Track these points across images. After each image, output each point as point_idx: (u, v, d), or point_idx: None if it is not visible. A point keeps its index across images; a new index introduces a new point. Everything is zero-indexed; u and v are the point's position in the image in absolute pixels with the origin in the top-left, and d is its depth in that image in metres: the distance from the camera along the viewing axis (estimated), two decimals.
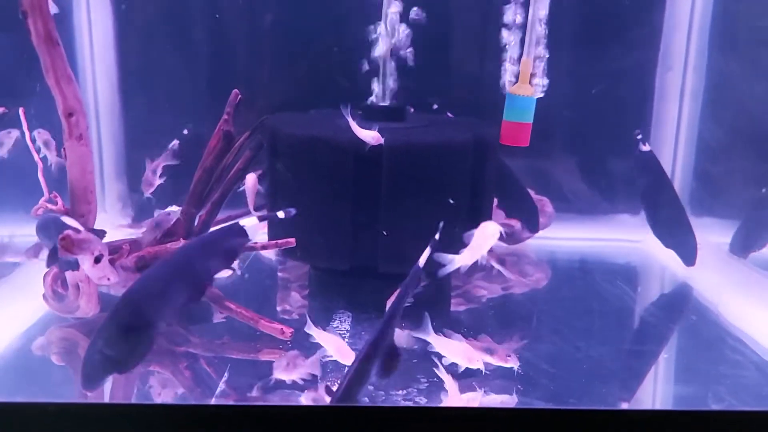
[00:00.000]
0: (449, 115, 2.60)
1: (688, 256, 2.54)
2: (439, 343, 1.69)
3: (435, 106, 2.67)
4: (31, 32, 1.39)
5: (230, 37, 2.80)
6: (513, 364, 1.72)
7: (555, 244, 2.83)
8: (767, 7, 2.76)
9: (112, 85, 2.79)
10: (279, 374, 1.69)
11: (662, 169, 2.56)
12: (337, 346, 1.71)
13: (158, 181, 2.38)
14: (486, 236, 1.72)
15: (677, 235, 2.54)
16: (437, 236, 1.64)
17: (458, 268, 1.74)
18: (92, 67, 2.77)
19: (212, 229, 2.15)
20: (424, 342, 1.81)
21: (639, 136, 2.51)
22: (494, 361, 1.72)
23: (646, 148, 2.50)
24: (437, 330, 1.70)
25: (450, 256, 1.73)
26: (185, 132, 2.61)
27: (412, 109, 2.39)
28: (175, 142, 2.57)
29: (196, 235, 2.07)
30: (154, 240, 1.97)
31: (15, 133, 2.07)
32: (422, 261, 1.62)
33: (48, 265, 1.82)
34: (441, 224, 1.66)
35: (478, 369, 1.66)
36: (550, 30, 2.18)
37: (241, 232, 1.77)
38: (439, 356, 1.68)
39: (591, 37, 2.79)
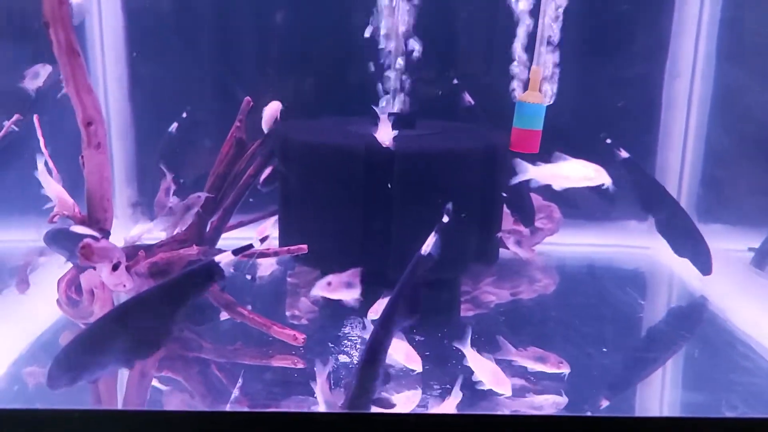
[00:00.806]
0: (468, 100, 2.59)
1: (704, 265, 2.45)
2: (473, 358, 1.69)
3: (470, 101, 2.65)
4: (52, 42, 1.40)
5: (241, 43, 2.82)
6: (565, 369, 1.75)
7: (563, 250, 2.84)
8: None
9: (123, 91, 2.81)
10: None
11: (649, 175, 2.45)
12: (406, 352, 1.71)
13: (170, 202, 2.32)
14: (576, 170, 1.64)
15: (689, 245, 2.45)
16: (445, 219, 1.61)
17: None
18: (104, 73, 2.79)
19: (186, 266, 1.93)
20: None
21: (608, 141, 2.36)
22: (547, 369, 1.75)
23: (624, 154, 2.36)
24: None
25: (526, 164, 1.74)
26: (184, 115, 2.61)
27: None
28: (174, 125, 2.58)
29: (208, 241, 2.09)
30: (181, 223, 1.96)
31: (49, 68, 2.03)
32: (426, 248, 1.59)
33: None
34: (449, 206, 1.63)
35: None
36: (559, 38, 2.19)
37: (215, 270, 1.58)
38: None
39: (599, 45, 2.80)
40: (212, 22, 2.80)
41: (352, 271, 1.82)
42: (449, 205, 1.62)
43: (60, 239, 1.71)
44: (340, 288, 1.82)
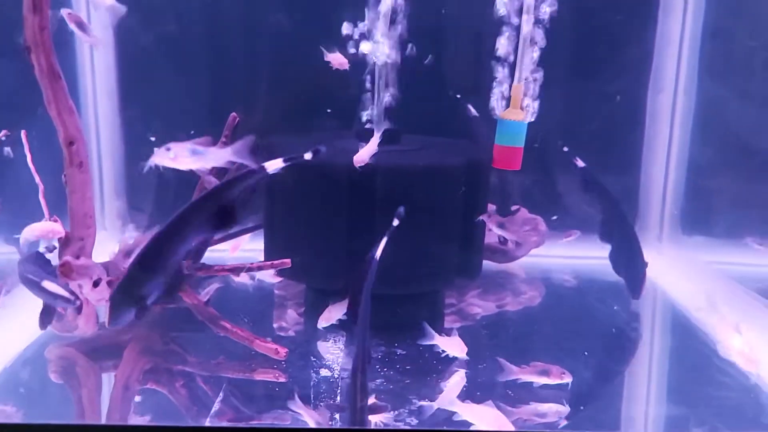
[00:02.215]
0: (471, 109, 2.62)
1: (634, 288, 2.35)
2: (439, 340, 1.85)
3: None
4: (34, 66, 1.44)
5: (230, 58, 2.85)
6: (567, 379, 1.79)
7: (548, 262, 2.86)
8: (756, 28, 2.81)
9: (112, 104, 2.83)
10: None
11: (604, 187, 2.37)
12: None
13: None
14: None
15: (627, 264, 2.35)
16: (395, 223, 1.69)
17: None
18: (93, 86, 2.81)
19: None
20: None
21: (565, 149, 2.35)
22: (551, 381, 1.79)
23: (580, 163, 2.34)
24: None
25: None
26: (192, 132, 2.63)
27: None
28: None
29: (193, 255, 2.10)
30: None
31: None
32: (378, 252, 1.66)
33: (43, 327, 1.85)
34: (401, 210, 1.73)
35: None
36: (541, 53, 2.22)
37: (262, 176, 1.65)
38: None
39: (582, 60, 2.83)
40: (202, 35, 2.82)
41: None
42: (401, 209, 1.70)
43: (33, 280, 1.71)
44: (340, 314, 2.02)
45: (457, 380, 1.67)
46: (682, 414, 1.79)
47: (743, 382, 1.92)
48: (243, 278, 2.43)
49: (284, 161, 1.67)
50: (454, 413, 1.59)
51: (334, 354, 1.99)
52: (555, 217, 2.54)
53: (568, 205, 2.90)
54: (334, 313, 2.05)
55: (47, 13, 1.43)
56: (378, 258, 1.69)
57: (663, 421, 1.82)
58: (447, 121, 2.71)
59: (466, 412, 1.60)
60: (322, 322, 2.07)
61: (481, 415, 1.59)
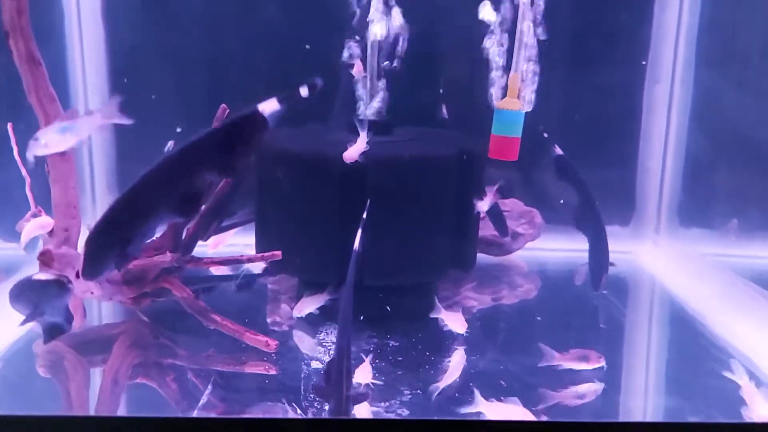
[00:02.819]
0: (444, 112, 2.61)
1: (596, 280, 2.32)
2: (443, 313, 1.93)
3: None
4: (12, 52, 1.41)
5: (223, 51, 2.83)
6: (602, 363, 1.84)
7: (544, 255, 2.84)
8: (753, 20, 2.79)
9: (103, 98, 2.81)
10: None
11: (581, 178, 2.34)
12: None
13: None
14: None
15: (592, 254, 2.33)
16: (365, 215, 1.70)
17: None
18: (83, 80, 2.79)
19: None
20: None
21: (545, 135, 2.33)
22: (589, 366, 1.83)
23: (558, 151, 2.32)
24: None
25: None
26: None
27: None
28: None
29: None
30: None
31: None
32: (357, 244, 1.64)
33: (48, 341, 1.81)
34: (368, 202, 1.75)
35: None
36: (538, 44, 2.19)
37: (258, 119, 1.55)
38: None
39: (579, 51, 2.81)
40: (195, 27, 2.81)
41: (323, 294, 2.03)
42: (369, 201, 1.71)
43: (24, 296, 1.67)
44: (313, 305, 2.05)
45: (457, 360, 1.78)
46: (679, 404, 1.78)
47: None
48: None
49: (278, 101, 1.57)
50: (479, 413, 1.56)
51: (325, 346, 1.97)
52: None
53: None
54: (308, 304, 2.06)
55: None
56: (358, 250, 1.65)
57: (661, 412, 1.81)
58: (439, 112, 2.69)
59: (492, 411, 1.56)
60: (296, 313, 2.09)
61: (508, 414, 1.56)
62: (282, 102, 1.58)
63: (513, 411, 1.56)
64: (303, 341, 2.01)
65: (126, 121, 1.59)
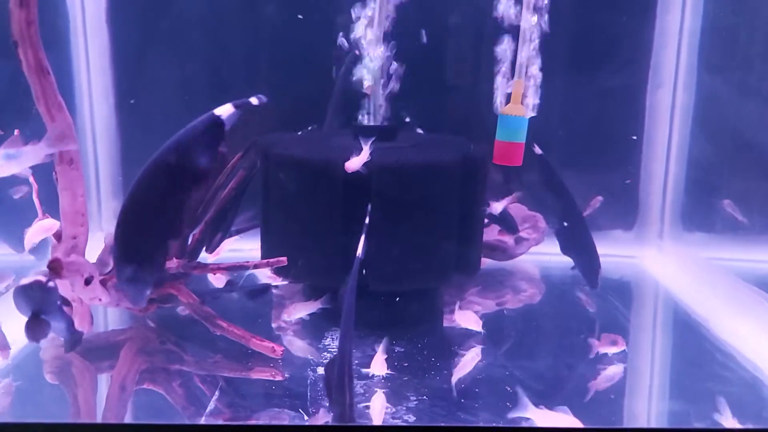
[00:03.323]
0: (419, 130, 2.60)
1: (590, 278, 2.40)
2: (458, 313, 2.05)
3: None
4: (21, 61, 1.42)
5: (226, 55, 2.84)
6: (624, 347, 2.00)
7: (548, 259, 2.84)
8: (755, 24, 2.79)
9: (108, 104, 2.82)
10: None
11: (558, 177, 2.39)
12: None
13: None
14: None
15: (580, 253, 2.39)
16: (367, 220, 1.76)
17: None
18: (89, 86, 2.81)
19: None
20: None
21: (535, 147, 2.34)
22: (618, 349, 1.98)
23: (538, 151, 2.34)
24: None
25: None
26: None
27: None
28: None
29: (189, 254, 2.09)
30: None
31: None
32: (360, 251, 1.71)
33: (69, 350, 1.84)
34: (369, 207, 1.81)
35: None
36: (541, 49, 2.20)
37: (216, 123, 1.66)
38: None
39: (582, 56, 2.82)
40: (199, 32, 2.82)
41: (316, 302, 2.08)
42: (369, 206, 1.75)
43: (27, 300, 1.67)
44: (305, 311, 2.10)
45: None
46: (684, 408, 1.78)
47: (744, 376, 1.92)
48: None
49: (234, 106, 1.69)
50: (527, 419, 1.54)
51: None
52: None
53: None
54: (300, 309, 2.10)
55: (34, 7, 1.42)
56: (361, 257, 1.68)
57: (665, 416, 1.81)
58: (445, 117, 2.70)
59: (542, 419, 1.55)
60: (285, 316, 2.12)
61: (557, 421, 1.54)
62: (237, 107, 1.70)
63: (562, 419, 1.54)
64: (293, 345, 2.03)
65: (73, 147, 1.63)
